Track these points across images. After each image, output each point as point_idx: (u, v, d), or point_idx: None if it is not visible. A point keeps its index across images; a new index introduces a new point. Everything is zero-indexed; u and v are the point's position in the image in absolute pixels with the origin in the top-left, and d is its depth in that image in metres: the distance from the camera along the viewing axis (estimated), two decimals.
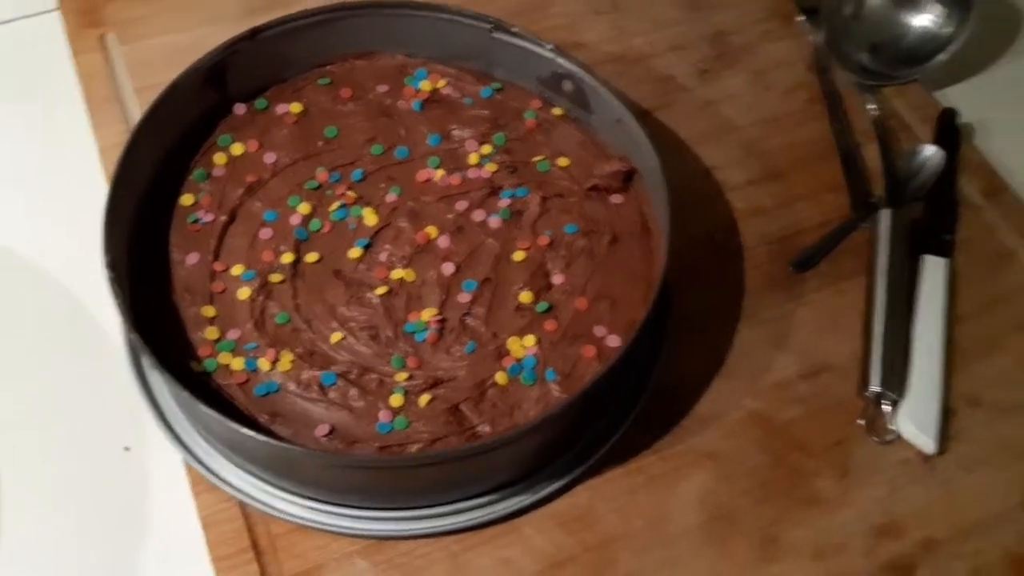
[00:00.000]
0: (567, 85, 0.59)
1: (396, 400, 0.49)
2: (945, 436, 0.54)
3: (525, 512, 0.51)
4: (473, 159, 0.58)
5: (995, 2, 0.73)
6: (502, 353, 0.51)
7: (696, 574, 0.50)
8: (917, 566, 0.50)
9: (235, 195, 0.55)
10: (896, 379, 0.54)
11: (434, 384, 0.50)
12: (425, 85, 0.60)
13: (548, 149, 0.59)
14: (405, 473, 0.47)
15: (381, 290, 0.53)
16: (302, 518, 0.49)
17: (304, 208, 0.55)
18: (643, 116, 0.63)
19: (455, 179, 0.57)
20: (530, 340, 0.52)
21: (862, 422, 0.54)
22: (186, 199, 0.55)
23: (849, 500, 0.52)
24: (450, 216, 0.56)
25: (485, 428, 0.49)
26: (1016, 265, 0.60)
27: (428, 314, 0.52)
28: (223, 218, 0.55)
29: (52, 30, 0.67)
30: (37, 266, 0.58)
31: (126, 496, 0.51)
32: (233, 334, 0.51)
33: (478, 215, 0.56)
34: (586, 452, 0.52)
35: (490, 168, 0.57)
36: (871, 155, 0.64)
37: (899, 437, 0.54)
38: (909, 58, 0.67)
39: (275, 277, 0.53)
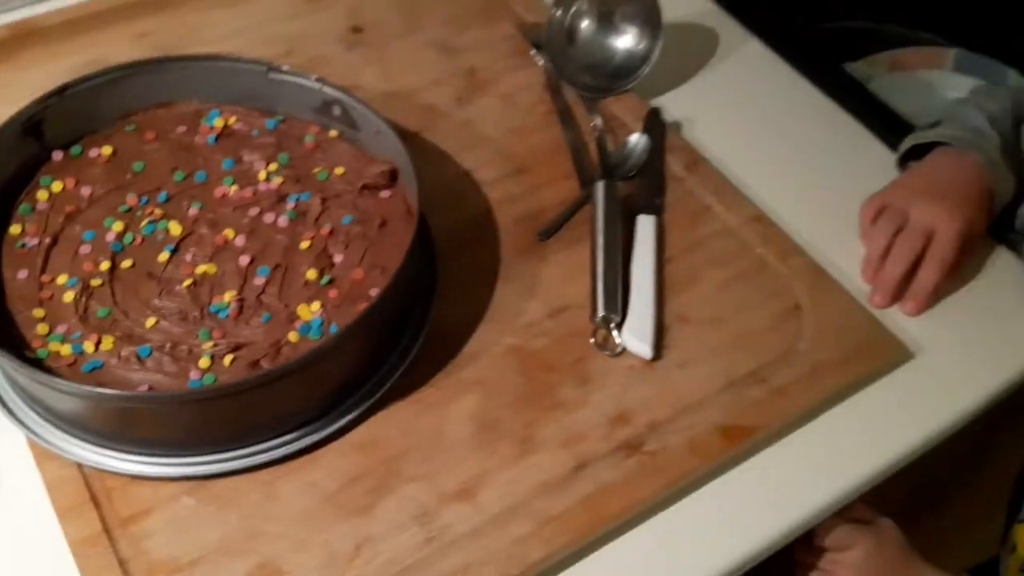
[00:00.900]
0: (336, 109, 0.72)
1: (204, 362, 0.60)
2: (661, 345, 0.68)
3: (325, 444, 0.61)
4: (262, 175, 0.70)
5: (686, 28, 0.92)
6: (293, 319, 0.63)
7: (470, 471, 0.61)
8: (645, 442, 0.63)
9: (57, 222, 0.66)
10: (617, 305, 0.68)
11: (236, 348, 0.61)
12: (218, 122, 0.72)
13: (326, 163, 0.72)
14: (210, 407, 0.57)
15: (188, 282, 0.64)
16: (130, 471, 0.58)
17: (118, 227, 0.66)
18: (411, 136, 0.77)
19: (247, 192, 0.69)
20: (316, 306, 0.63)
21: (593, 340, 0.67)
22: (14, 229, 0.65)
23: (588, 401, 0.65)
24: (245, 220, 0.67)
25: None
26: (710, 217, 0.76)
27: (229, 296, 0.63)
28: (47, 240, 0.65)
29: None
30: None
31: None
32: (61, 328, 0.61)
33: (268, 217, 0.68)
34: (373, 389, 0.63)
35: (277, 181, 0.70)
36: (595, 150, 0.80)
37: (624, 349, 0.67)
38: (618, 74, 0.84)
39: (95, 282, 0.63)
